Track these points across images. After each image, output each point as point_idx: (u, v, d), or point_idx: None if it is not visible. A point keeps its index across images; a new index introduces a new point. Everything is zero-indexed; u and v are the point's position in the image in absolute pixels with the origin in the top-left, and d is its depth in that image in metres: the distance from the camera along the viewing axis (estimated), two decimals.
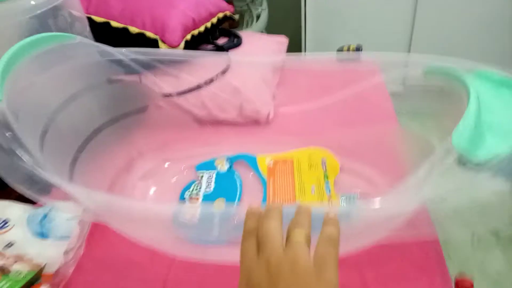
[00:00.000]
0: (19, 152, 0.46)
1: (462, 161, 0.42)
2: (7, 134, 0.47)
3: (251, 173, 0.73)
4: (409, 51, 1.75)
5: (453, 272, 0.55)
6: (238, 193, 0.69)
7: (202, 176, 0.71)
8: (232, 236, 0.58)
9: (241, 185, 0.70)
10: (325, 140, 0.76)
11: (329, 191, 0.66)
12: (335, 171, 0.70)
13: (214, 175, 0.71)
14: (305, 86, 0.87)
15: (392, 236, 0.45)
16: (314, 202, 0.64)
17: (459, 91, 0.51)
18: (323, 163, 0.72)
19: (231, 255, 0.58)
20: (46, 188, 0.45)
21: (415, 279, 0.54)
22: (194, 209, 0.59)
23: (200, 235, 0.60)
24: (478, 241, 1.33)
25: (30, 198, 0.44)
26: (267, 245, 0.32)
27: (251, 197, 0.68)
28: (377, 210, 0.39)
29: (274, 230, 0.33)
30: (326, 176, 0.69)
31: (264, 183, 0.69)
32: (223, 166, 0.73)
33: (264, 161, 0.73)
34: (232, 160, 0.74)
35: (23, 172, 0.45)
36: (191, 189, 0.70)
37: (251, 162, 0.74)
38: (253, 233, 0.34)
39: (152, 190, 0.72)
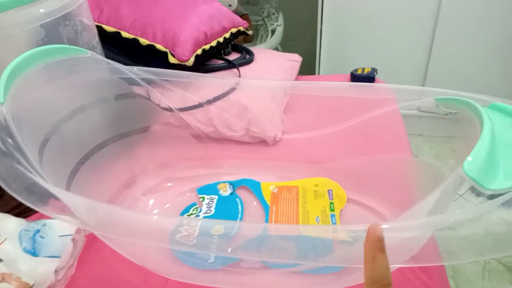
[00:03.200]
0: (19, 159, 0.44)
1: (475, 192, 0.39)
2: (9, 140, 0.45)
3: (254, 198, 0.70)
4: (424, 78, 1.72)
5: None
6: (238, 218, 0.66)
7: (203, 199, 0.69)
8: (228, 262, 0.55)
9: (242, 211, 0.67)
10: (334, 168, 0.73)
11: (334, 223, 0.63)
12: (342, 201, 0.67)
13: (216, 199, 0.69)
14: (316, 109, 0.85)
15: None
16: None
17: (472, 119, 0.49)
18: (330, 193, 0.69)
19: (225, 282, 0.56)
20: (44, 198, 0.43)
21: None
22: (192, 229, 0.57)
23: (196, 257, 0.57)
24: (490, 272, 1.28)
25: (31, 206, 0.42)
26: None
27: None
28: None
29: None
30: (332, 207, 0.66)
31: (266, 210, 0.67)
32: (225, 191, 0.71)
33: (268, 187, 0.71)
34: (235, 185, 0.72)
35: (22, 180, 0.43)
36: (190, 211, 0.67)
37: (255, 187, 0.71)
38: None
39: (152, 209, 0.70)
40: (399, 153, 0.75)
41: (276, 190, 0.70)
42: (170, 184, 0.74)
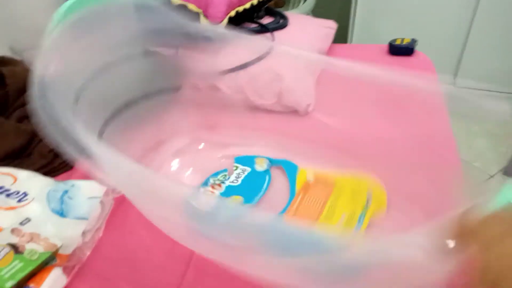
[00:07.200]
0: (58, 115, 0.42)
1: None
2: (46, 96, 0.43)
3: (285, 180, 0.66)
4: (464, 48, 1.63)
5: None
6: (258, 196, 0.63)
7: (236, 168, 0.67)
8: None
9: (266, 190, 0.64)
10: (374, 160, 0.63)
11: (359, 227, 0.56)
12: (379, 205, 0.59)
13: (248, 172, 0.67)
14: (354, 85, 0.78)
15: None
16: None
17: None
18: (369, 195, 0.61)
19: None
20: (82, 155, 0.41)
21: None
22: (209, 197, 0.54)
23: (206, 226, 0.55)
24: None
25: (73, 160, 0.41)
26: None
27: (269, 204, 0.63)
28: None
29: None
30: (365, 209, 0.59)
31: (291, 196, 0.63)
32: (262, 166, 0.68)
33: (305, 175, 0.66)
34: (272, 163, 0.69)
35: (62, 137, 0.41)
36: (218, 176, 0.65)
37: (290, 171, 0.67)
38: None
39: (183, 172, 0.69)
40: (445, 159, 0.66)
41: (312, 180, 0.65)
42: (202, 145, 0.73)
